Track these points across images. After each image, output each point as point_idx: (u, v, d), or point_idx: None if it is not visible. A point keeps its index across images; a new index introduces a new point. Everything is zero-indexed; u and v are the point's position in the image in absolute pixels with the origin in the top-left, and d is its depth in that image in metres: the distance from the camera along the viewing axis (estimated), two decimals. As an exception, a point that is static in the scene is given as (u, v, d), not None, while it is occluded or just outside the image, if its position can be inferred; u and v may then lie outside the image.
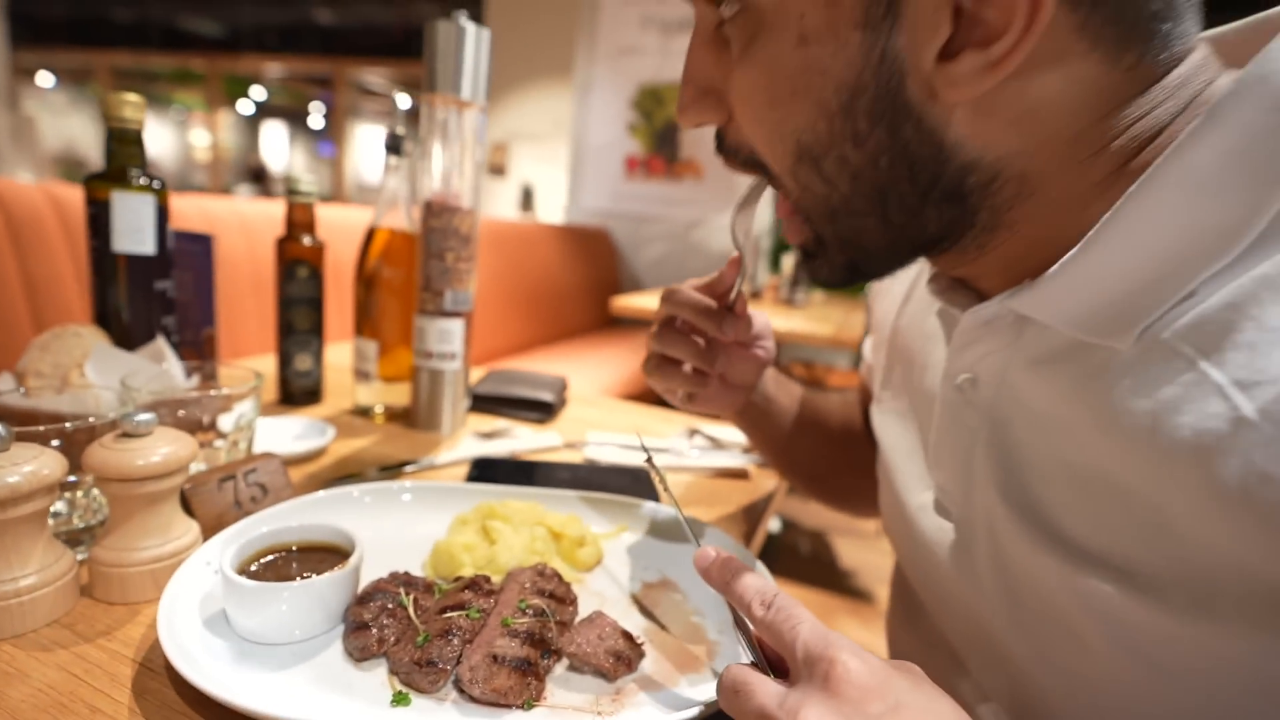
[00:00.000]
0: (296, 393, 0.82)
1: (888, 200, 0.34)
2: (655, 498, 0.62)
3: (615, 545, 0.53)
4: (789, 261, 2.60)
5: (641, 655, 0.39)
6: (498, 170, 4.27)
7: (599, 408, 0.97)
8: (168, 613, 0.37)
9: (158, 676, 0.36)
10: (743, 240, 0.48)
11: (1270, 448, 0.25)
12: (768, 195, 0.43)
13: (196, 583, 0.41)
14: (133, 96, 0.63)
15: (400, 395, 0.81)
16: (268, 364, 0.97)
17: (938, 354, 0.45)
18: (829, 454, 0.67)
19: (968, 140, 0.31)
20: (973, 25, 0.29)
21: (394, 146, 0.76)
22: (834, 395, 0.70)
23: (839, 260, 0.38)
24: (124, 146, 0.64)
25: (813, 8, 0.30)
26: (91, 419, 0.46)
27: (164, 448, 0.42)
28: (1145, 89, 0.31)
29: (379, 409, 0.81)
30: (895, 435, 0.50)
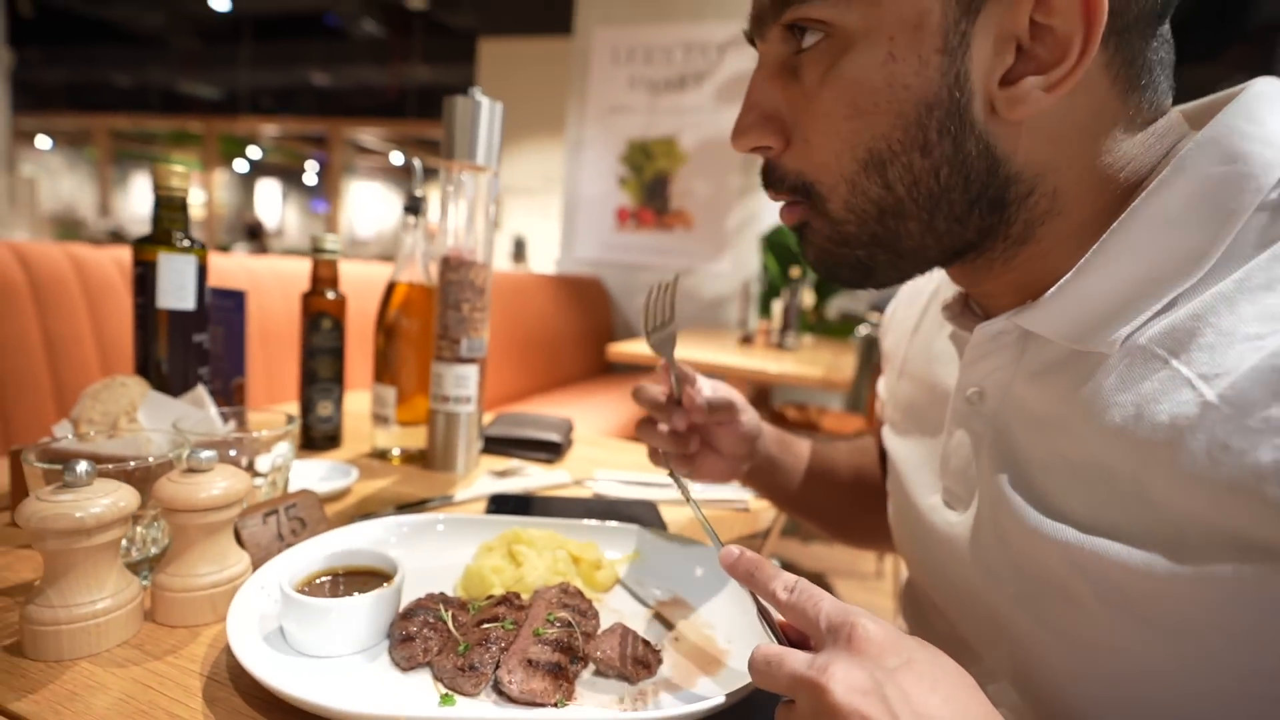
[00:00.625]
0: (318, 438, 0.86)
1: (938, 206, 0.39)
2: (662, 527, 0.67)
3: (628, 568, 0.57)
4: (778, 307, 2.68)
5: (660, 661, 0.43)
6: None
7: (603, 448, 1.02)
8: (234, 627, 0.41)
9: (224, 686, 0.40)
10: (667, 354, 0.58)
11: (1229, 424, 0.31)
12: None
13: (254, 604, 0.45)
14: (179, 167, 0.69)
15: (417, 438, 0.86)
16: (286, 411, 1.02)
17: (946, 372, 0.51)
18: (842, 500, 0.72)
19: (1015, 154, 0.38)
20: (1029, 58, 0.36)
21: (413, 208, 0.82)
22: (842, 444, 0.76)
23: (842, 251, 0.43)
24: (170, 212, 0.70)
25: (902, 31, 0.36)
26: (151, 459, 0.50)
27: (223, 482, 0.46)
28: (1141, 129, 0.38)
29: (396, 451, 0.86)
30: (907, 450, 0.56)
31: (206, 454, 0.46)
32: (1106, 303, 0.36)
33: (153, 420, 0.59)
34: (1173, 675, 0.35)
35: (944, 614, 0.53)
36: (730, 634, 0.48)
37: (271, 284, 1.51)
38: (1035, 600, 0.40)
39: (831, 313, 4.12)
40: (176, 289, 0.70)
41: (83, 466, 0.41)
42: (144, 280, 0.69)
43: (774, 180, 0.44)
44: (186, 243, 0.70)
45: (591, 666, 0.42)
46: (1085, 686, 0.39)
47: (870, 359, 4.18)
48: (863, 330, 4.00)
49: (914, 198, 0.39)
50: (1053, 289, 0.38)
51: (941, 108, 0.37)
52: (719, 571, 0.53)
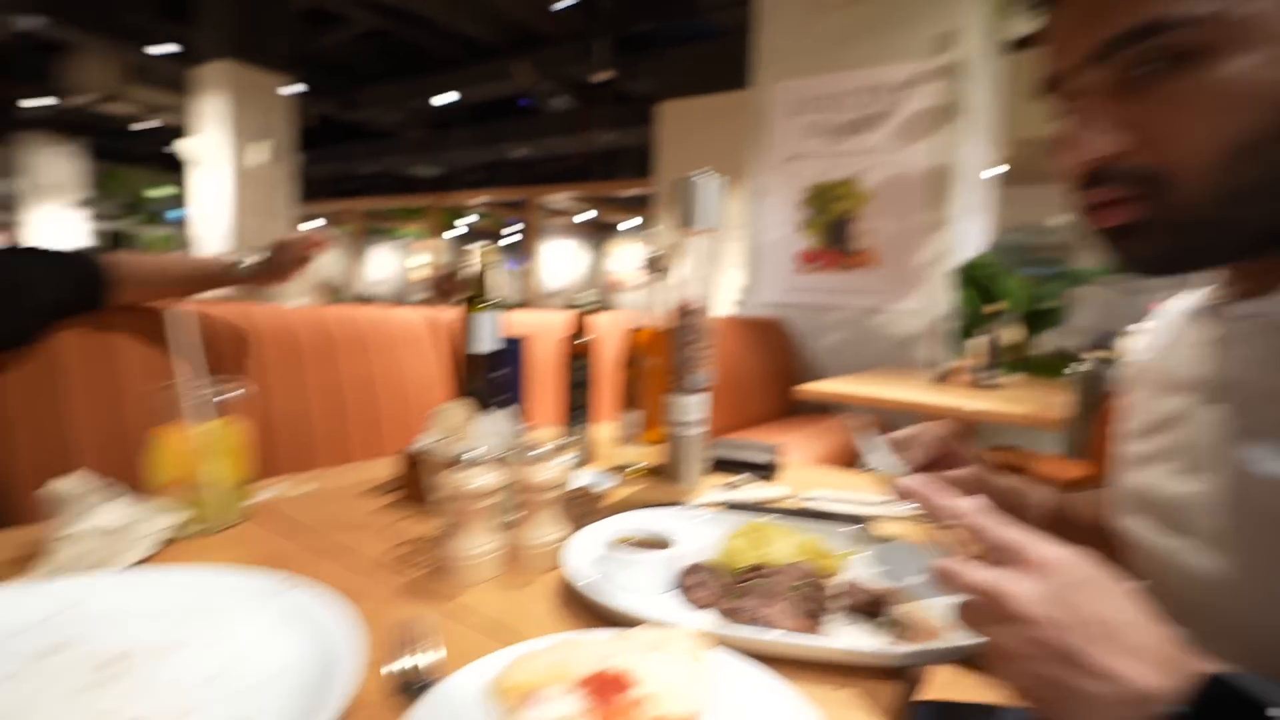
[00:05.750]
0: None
1: None
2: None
3: (847, 562, 0.67)
4: (976, 343, 2.58)
5: (894, 600, 0.54)
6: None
7: (810, 471, 1.12)
8: (571, 567, 0.58)
9: (565, 607, 0.57)
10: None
11: None
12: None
13: (579, 558, 0.62)
14: (493, 248, 0.93)
15: (654, 456, 1.03)
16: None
17: (1188, 369, 0.56)
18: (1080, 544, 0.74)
19: None
20: None
21: (655, 265, 1.01)
22: (1083, 495, 0.76)
23: (1179, 241, 0.47)
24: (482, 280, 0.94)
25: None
26: (500, 454, 0.70)
27: (553, 470, 0.64)
28: None
29: (639, 466, 1.03)
30: (1146, 446, 0.60)
31: (547, 447, 0.65)
32: None
33: (486, 429, 0.81)
34: None
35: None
36: (943, 614, 0.56)
37: (535, 332, 1.84)
38: (1231, 533, 0.49)
39: (1046, 349, 3.79)
40: (483, 337, 0.93)
41: (476, 451, 0.61)
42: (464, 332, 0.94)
43: (1112, 177, 0.48)
44: (488, 302, 0.94)
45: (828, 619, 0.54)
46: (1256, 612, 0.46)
47: (1094, 397, 3.76)
48: (1081, 367, 3.64)
49: (1276, 180, 0.44)
50: None
51: None
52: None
